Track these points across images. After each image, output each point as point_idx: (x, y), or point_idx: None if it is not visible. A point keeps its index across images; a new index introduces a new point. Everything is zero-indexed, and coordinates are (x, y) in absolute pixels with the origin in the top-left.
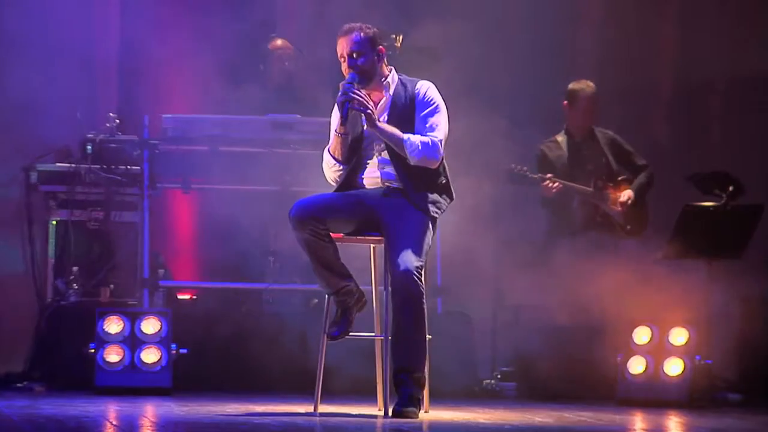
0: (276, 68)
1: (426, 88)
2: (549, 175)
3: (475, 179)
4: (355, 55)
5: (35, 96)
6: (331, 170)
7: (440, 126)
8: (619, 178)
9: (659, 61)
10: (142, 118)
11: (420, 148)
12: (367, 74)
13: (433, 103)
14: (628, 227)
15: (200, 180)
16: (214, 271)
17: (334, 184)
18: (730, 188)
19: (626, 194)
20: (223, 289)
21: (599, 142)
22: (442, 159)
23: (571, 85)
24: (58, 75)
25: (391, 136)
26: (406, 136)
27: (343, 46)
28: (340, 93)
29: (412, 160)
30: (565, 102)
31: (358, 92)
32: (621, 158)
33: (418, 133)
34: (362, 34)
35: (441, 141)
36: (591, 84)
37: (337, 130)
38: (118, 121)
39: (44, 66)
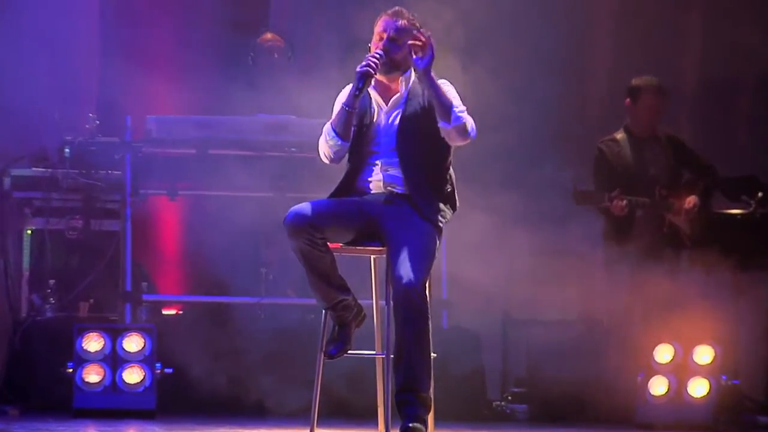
0: (265, 61)
1: (442, 83)
2: (615, 192)
3: (483, 188)
4: (394, 42)
5: (8, 95)
6: (329, 144)
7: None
8: (683, 182)
9: (682, 59)
10: (124, 118)
11: (465, 114)
12: (393, 64)
13: (454, 95)
14: (693, 236)
15: (187, 186)
16: (202, 284)
17: (326, 160)
18: (759, 194)
19: (691, 201)
20: (212, 304)
21: (662, 143)
22: (450, 166)
23: (634, 81)
24: (34, 72)
25: (443, 97)
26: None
27: (384, 25)
28: (362, 63)
29: (455, 125)
30: (628, 100)
31: (376, 68)
32: (683, 158)
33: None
34: (409, 23)
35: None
36: (655, 79)
37: (346, 103)
38: (98, 122)
39: (18, 63)
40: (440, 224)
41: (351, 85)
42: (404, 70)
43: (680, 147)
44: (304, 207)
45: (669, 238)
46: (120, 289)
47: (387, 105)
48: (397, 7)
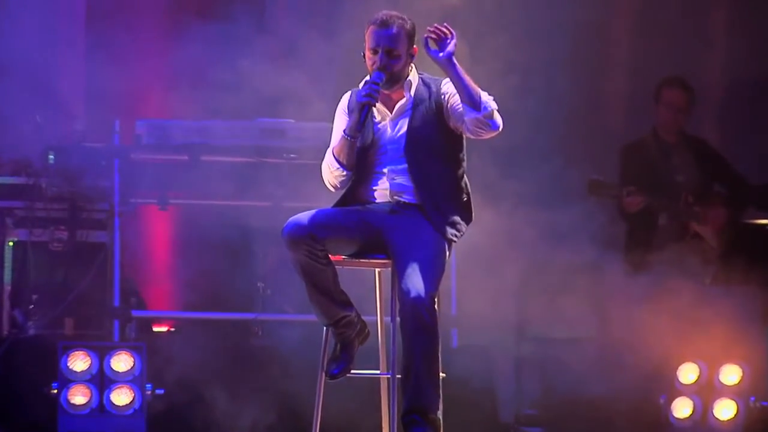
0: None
1: (449, 82)
2: (630, 188)
3: (494, 196)
4: (390, 54)
5: None
6: (333, 174)
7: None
8: (712, 193)
9: (706, 59)
10: (112, 122)
11: (492, 101)
12: (396, 77)
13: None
14: (721, 251)
15: (179, 194)
16: (195, 299)
17: (332, 189)
18: None
19: (720, 215)
20: (206, 320)
21: (692, 151)
22: (465, 173)
23: (661, 82)
24: (14, 72)
25: (470, 84)
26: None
27: (375, 40)
28: (362, 92)
29: (485, 113)
30: (655, 101)
31: (377, 95)
32: (714, 169)
33: (459, 121)
34: (404, 31)
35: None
36: (683, 80)
37: (349, 133)
38: (84, 126)
39: None
40: (452, 238)
41: (350, 93)
42: (405, 77)
43: (711, 156)
44: (304, 217)
45: (693, 250)
46: (108, 305)
47: (392, 113)
48: (384, 13)
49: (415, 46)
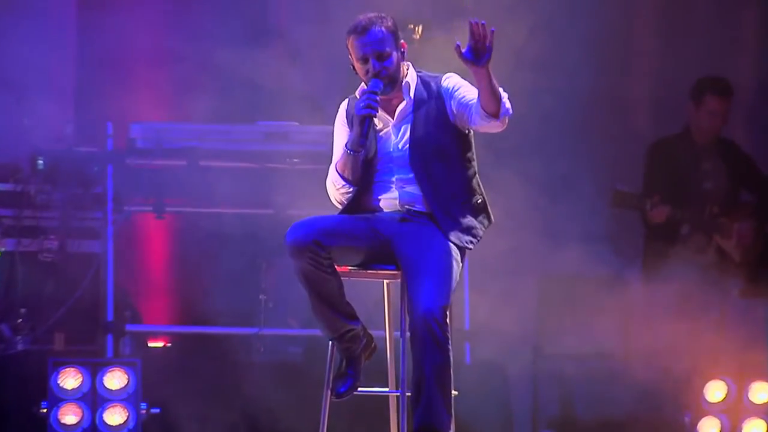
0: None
1: (451, 75)
2: (656, 198)
3: (507, 203)
4: (381, 57)
5: None
6: (338, 191)
7: None
8: (740, 204)
9: (737, 59)
10: (104, 125)
11: (509, 102)
12: (393, 78)
13: (461, 79)
14: (744, 265)
15: (177, 202)
16: (193, 312)
17: (338, 205)
18: None
19: (748, 227)
20: (204, 335)
21: (723, 155)
22: (476, 174)
23: (699, 81)
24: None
25: (496, 87)
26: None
27: (361, 48)
28: (361, 103)
29: (504, 118)
30: (691, 101)
31: (377, 105)
32: (743, 175)
33: (466, 113)
34: (384, 28)
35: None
36: (728, 85)
37: (351, 147)
38: (75, 129)
39: None
40: (468, 245)
41: (346, 102)
42: (402, 77)
43: (742, 162)
44: (309, 222)
45: (715, 264)
46: (100, 319)
47: (394, 117)
48: (360, 18)
49: (402, 41)
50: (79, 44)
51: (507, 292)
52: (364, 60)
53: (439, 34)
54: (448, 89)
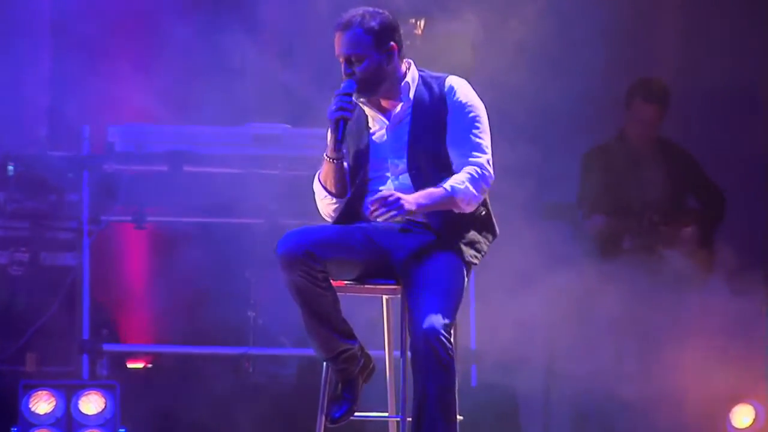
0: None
1: (458, 86)
2: (585, 210)
3: (517, 213)
4: (353, 59)
5: None
6: (323, 201)
7: (484, 140)
8: (684, 210)
9: (757, 57)
10: (80, 128)
11: (473, 191)
12: (368, 83)
13: (471, 108)
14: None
15: (159, 211)
16: (177, 331)
17: (328, 219)
18: None
19: (689, 232)
20: (188, 355)
21: (666, 160)
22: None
23: (633, 83)
24: None
25: (435, 202)
26: (447, 186)
27: (338, 46)
28: (333, 107)
29: (470, 209)
30: (626, 101)
31: (351, 107)
32: (690, 182)
33: (456, 153)
34: (363, 30)
35: (488, 160)
36: (658, 83)
37: (329, 154)
38: (48, 132)
39: None
40: (472, 260)
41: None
42: (395, 77)
43: (688, 165)
44: (302, 233)
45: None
46: (76, 338)
47: (389, 120)
48: (345, 14)
49: (392, 42)
50: (53, 39)
51: (516, 308)
52: (340, 59)
53: (442, 29)
54: (452, 105)
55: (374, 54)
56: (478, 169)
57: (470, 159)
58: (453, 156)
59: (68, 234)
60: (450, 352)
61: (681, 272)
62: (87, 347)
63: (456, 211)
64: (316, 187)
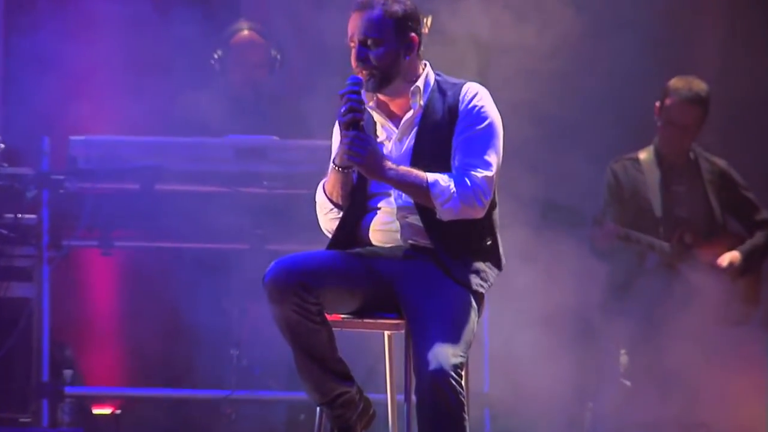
0: (238, 68)
1: (474, 93)
2: (600, 215)
3: (536, 236)
4: (369, 43)
5: None
6: (327, 216)
7: (490, 154)
8: (723, 235)
9: None
10: (39, 141)
11: (455, 195)
12: (381, 74)
13: (484, 117)
14: (728, 307)
15: (128, 234)
16: (148, 371)
17: (329, 234)
18: None
19: (728, 257)
20: (163, 399)
21: (702, 175)
22: (494, 209)
23: (670, 81)
24: None
25: (407, 181)
26: (431, 177)
27: (354, 26)
28: (342, 108)
29: (444, 215)
30: (658, 104)
31: (361, 106)
32: (731, 203)
33: (455, 164)
34: (385, 11)
35: (488, 179)
36: (698, 83)
37: (338, 162)
38: (2, 145)
39: None
40: (479, 289)
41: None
42: (409, 76)
43: (729, 185)
44: (292, 260)
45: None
46: (33, 379)
47: (398, 128)
48: None
49: (413, 34)
50: (5, 41)
51: (536, 344)
52: (352, 42)
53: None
54: (462, 113)
55: (393, 41)
56: (472, 180)
57: (471, 169)
58: (453, 166)
59: (25, 261)
60: (460, 396)
61: (713, 302)
62: (47, 390)
63: (430, 207)
64: (320, 198)
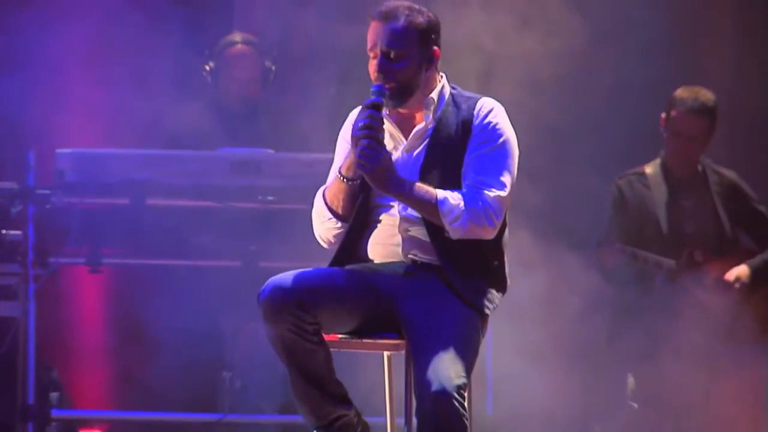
0: (231, 82)
1: (489, 108)
2: (605, 235)
3: (546, 250)
4: (393, 55)
5: None
6: (324, 225)
7: (504, 174)
8: (734, 250)
9: None
10: (25, 154)
11: (464, 212)
12: (402, 88)
13: (499, 134)
14: (737, 326)
15: (116, 252)
16: (138, 394)
17: (325, 245)
18: None
19: (735, 272)
20: (152, 423)
21: (711, 188)
22: (506, 226)
23: (676, 92)
24: None
25: (416, 196)
26: (440, 194)
27: (375, 36)
28: (359, 120)
29: (453, 234)
30: (663, 115)
31: (380, 124)
32: (742, 217)
33: (465, 182)
34: (410, 22)
35: (501, 199)
36: (705, 93)
37: (345, 173)
38: None
39: None
40: (487, 311)
41: (357, 111)
42: (425, 89)
43: (739, 199)
44: (288, 278)
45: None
46: (19, 401)
47: (407, 139)
48: (388, 3)
49: (436, 47)
50: None
51: (543, 364)
52: (372, 53)
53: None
54: (476, 128)
55: (417, 54)
56: (484, 200)
57: (482, 189)
58: (463, 183)
59: (10, 279)
60: (464, 418)
61: (722, 322)
62: (32, 413)
63: (438, 224)
64: (319, 205)
